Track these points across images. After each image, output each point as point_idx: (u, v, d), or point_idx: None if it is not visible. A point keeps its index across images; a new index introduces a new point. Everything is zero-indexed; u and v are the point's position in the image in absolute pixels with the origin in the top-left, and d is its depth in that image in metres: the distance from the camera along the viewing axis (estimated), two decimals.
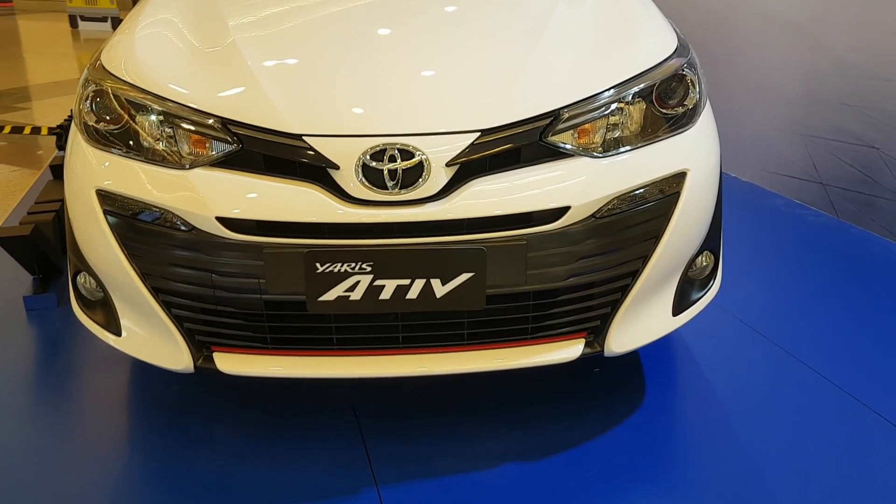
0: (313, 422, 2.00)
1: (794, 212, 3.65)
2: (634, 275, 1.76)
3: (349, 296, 1.63)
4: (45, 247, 2.64)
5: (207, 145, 1.69)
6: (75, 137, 1.86)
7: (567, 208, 1.65)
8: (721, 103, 4.19)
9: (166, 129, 1.72)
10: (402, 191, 1.61)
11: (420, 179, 1.61)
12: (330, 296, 1.63)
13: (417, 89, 1.75)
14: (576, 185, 1.67)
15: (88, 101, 1.83)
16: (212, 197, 1.63)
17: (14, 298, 2.63)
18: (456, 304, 1.66)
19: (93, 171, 1.76)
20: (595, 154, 1.71)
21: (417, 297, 1.63)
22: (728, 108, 4.19)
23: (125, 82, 1.81)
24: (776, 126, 3.87)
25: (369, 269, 1.61)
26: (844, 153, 3.46)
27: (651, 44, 1.96)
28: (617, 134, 1.77)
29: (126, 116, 1.76)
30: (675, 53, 1.93)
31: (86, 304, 1.92)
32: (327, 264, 1.60)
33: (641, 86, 1.80)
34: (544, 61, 1.84)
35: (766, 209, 3.72)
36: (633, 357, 2.28)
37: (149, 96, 1.75)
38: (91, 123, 1.81)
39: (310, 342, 1.74)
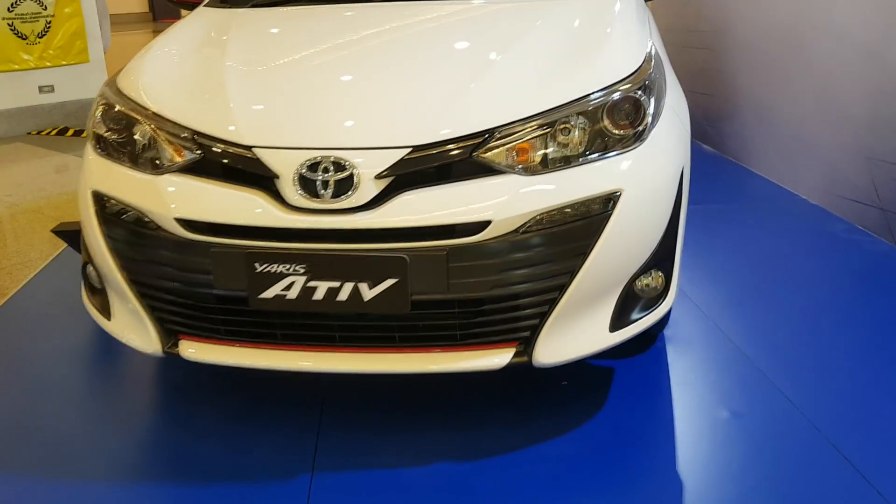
0: (281, 411, 2.17)
1: (852, 237, 3.46)
2: (562, 289, 1.81)
3: (286, 295, 1.79)
4: None
5: (182, 154, 1.91)
6: (87, 145, 2.14)
7: (488, 223, 1.73)
8: (793, 123, 4.05)
9: (152, 140, 1.96)
10: (334, 200, 1.76)
11: (350, 190, 1.75)
12: (268, 294, 1.79)
13: (355, 107, 1.90)
14: (499, 201, 1.75)
15: (98, 113, 2.11)
16: (173, 200, 1.84)
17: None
18: (382, 308, 1.78)
19: (91, 174, 2.03)
20: (523, 172, 1.79)
21: (347, 299, 1.77)
22: (799, 128, 4.03)
23: (127, 98, 2.07)
24: (842, 147, 3.68)
25: (303, 271, 1.76)
26: None
27: (609, 65, 2.00)
28: (556, 153, 1.83)
29: (124, 128, 2.02)
30: (634, 74, 1.96)
31: (91, 290, 2.19)
32: (265, 265, 1.77)
33: (585, 108, 1.86)
34: (491, 81, 1.93)
35: (824, 234, 3.55)
36: (606, 374, 2.30)
37: (142, 110, 2.01)
38: (98, 132, 2.08)
39: (257, 335, 1.91)
